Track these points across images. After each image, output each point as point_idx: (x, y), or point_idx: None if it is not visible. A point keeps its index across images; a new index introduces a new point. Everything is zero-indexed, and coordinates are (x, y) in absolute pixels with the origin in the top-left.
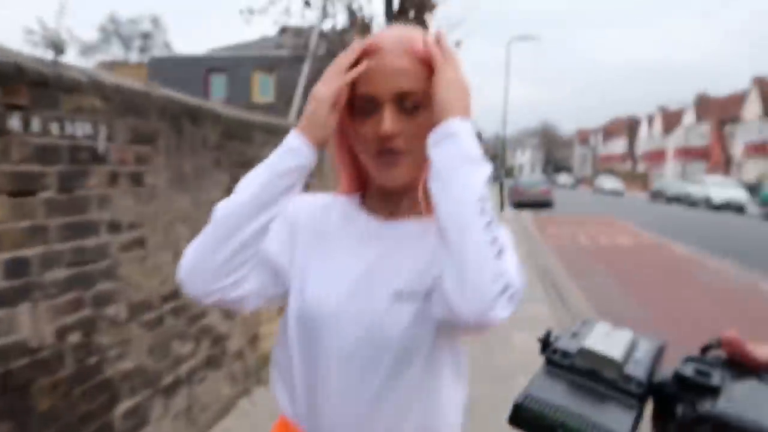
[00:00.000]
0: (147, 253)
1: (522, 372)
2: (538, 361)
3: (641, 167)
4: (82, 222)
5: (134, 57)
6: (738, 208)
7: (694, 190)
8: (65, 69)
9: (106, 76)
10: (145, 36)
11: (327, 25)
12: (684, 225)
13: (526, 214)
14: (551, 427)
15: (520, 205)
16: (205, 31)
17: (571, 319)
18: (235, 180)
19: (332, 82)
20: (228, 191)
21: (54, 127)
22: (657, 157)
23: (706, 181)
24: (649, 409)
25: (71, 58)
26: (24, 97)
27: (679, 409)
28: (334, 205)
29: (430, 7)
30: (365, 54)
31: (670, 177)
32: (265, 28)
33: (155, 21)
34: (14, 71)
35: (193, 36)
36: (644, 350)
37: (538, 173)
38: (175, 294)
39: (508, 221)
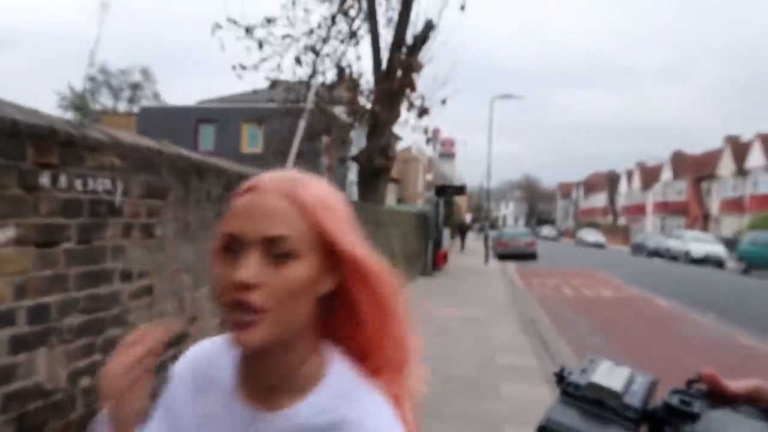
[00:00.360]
0: (153, 301)
1: (510, 421)
2: (526, 411)
3: (622, 221)
4: (98, 271)
5: (123, 107)
6: (717, 263)
7: (674, 244)
8: (90, 130)
9: (125, 135)
10: (135, 86)
11: (317, 80)
12: (665, 278)
13: (511, 266)
14: None
15: (504, 256)
16: (195, 83)
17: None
18: None
19: (126, 354)
20: None
21: (78, 183)
22: (637, 211)
23: (686, 235)
24: (644, 431)
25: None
26: (54, 156)
27: (667, 431)
28: (213, 378)
29: (417, 68)
30: (242, 193)
31: (649, 231)
32: (256, 81)
33: (145, 72)
34: (47, 132)
35: (182, 87)
36: (640, 384)
37: (522, 225)
38: (176, 340)
39: (492, 273)
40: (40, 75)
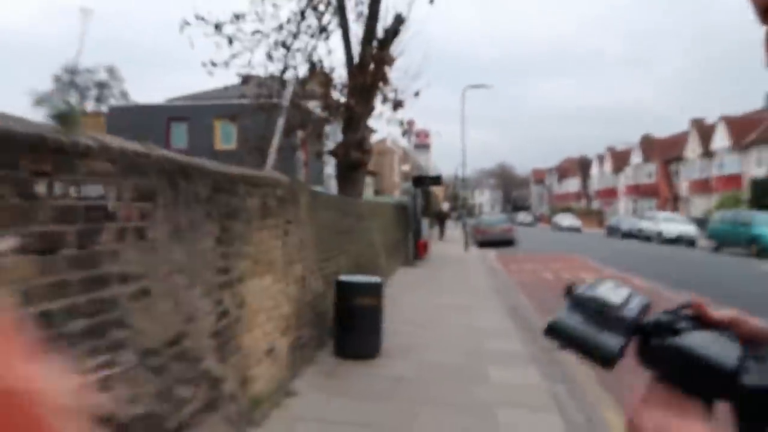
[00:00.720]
0: (151, 302)
1: (500, 405)
2: (515, 393)
3: (595, 204)
4: (97, 275)
5: (90, 106)
6: (689, 242)
7: (647, 225)
8: (78, 136)
9: (111, 140)
10: (102, 85)
11: (290, 76)
12: (640, 259)
13: (490, 253)
14: (571, 339)
15: (483, 243)
16: (164, 82)
17: (542, 353)
18: (223, 230)
19: None
20: (217, 241)
21: (72, 190)
22: (609, 194)
23: (658, 217)
24: (635, 341)
25: (26, 109)
26: (48, 164)
27: (653, 341)
28: None
29: (389, 61)
30: None
31: (622, 213)
32: (227, 78)
33: (111, 71)
34: (39, 141)
35: (151, 86)
36: (636, 302)
37: (498, 212)
38: (176, 340)
39: (473, 260)
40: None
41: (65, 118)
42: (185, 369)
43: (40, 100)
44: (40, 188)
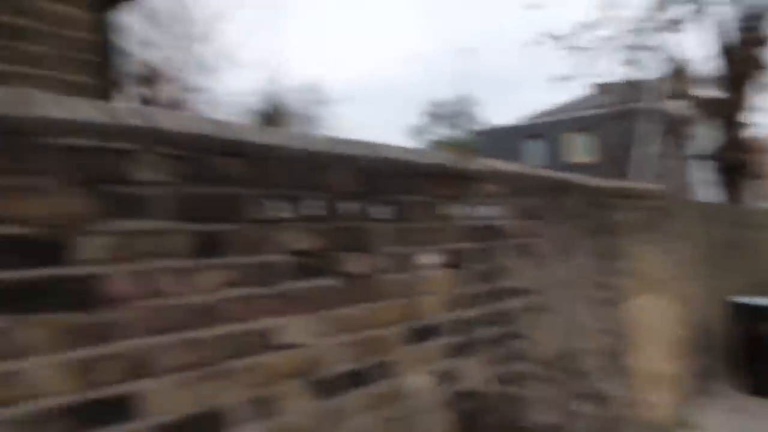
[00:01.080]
0: (541, 316)
1: None
2: None
3: None
4: (496, 289)
5: (453, 133)
6: None
7: None
8: (472, 163)
9: (498, 164)
10: (464, 114)
11: (647, 78)
12: None
13: None
14: None
15: None
16: (514, 101)
17: None
18: (599, 245)
19: None
20: (595, 256)
21: (474, 211)
22: None
23: None
24: None
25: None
26: (453, 189)
27: None
28: None
29: (762, 42)
30: None
31: None
32: (574, 91)
33: (471, 100)
34: (441, 170)
35: (504, 106)
36: None
37: None
38: (564, 354)
39: None
40: (376, 120)
41: (456, 146)
42: (575, 383)
43: (417, 132)
44: (451, 210)
